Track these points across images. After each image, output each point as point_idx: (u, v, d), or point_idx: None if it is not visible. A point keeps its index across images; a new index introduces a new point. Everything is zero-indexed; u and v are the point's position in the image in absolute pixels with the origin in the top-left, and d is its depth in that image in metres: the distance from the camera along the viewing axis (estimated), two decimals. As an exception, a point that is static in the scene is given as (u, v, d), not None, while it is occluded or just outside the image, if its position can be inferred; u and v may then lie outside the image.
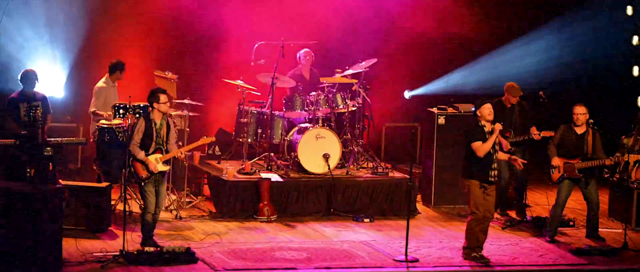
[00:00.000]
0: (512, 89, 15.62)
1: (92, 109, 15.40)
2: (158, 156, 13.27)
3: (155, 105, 13.28)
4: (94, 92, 15.51)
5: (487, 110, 13.32)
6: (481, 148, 13.21)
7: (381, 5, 18.56)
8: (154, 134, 13.28)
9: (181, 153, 13.52)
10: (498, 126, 13.25)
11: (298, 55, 16.95)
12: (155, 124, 13.31)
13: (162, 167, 13.29)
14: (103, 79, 15.60)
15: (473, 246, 13.42)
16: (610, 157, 14.32)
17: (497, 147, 13.39)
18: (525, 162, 14.07)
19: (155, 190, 13.35)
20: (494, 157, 13.33)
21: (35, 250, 12.08)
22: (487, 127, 13.32)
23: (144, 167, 13.24)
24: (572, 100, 14.81)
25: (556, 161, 14.47)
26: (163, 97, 13.25)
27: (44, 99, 14.79)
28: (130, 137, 13.33)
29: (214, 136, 17.31)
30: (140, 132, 13.23)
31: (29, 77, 14.67)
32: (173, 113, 15.65)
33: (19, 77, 14.72)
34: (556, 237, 14.61)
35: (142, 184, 13.28)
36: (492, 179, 13.31)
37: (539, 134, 15.28)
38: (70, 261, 12.73)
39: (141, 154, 13.22)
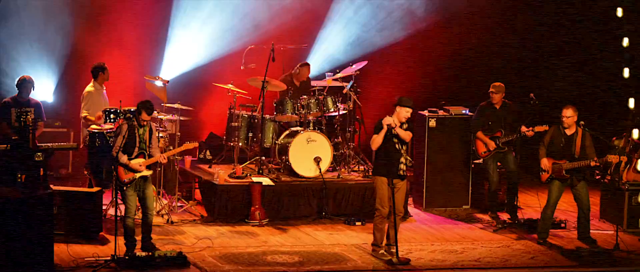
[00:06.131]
0: (495, 87, 15.69)
1: (83, 114, 15.38)
2: (141, 160, 13.33)
3: (140, 116, 13.36)
4: (83, 97, 15.50)
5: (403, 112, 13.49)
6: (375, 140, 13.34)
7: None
8: (137, 138, 13.36)
9: (164, 158, 13.53)
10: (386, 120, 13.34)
11: (296, 68, 16.81)
12: (137, 129, 13.38)
13: (145, 172, 13.34)
14: (90, 84, 15.58)
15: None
16: (594, 159, 14.30)
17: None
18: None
19: (142, 194, 13.46)
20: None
21: (26, 255, 12.05)
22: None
23: (126, 170, 13.33)
24: (563, 102, 14.82)
25: (545, 162, 14.49)
26: (145, 116, 13.31)
27: (37, 105, 14.84)
28: (113, 143, 13.43)
29: (205, 139, 17.38)
30: (122, 137, 13.30)
31: (25, 83, 14.77)
32: (164, 118, 15.64)
33: (15, 83, 14.80)
34: (547, 239, 14.62)
35: (124, 188, 13.34)
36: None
37: (532, 130, 15.23)
38: (61, 266, 12.71)
39: (124, 158, 13.30)
